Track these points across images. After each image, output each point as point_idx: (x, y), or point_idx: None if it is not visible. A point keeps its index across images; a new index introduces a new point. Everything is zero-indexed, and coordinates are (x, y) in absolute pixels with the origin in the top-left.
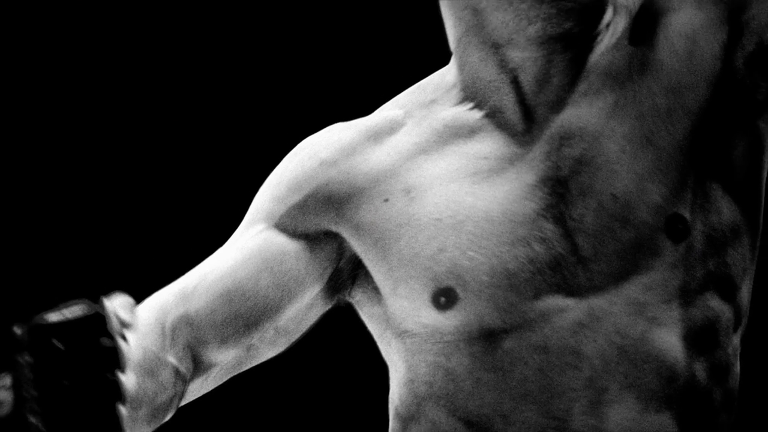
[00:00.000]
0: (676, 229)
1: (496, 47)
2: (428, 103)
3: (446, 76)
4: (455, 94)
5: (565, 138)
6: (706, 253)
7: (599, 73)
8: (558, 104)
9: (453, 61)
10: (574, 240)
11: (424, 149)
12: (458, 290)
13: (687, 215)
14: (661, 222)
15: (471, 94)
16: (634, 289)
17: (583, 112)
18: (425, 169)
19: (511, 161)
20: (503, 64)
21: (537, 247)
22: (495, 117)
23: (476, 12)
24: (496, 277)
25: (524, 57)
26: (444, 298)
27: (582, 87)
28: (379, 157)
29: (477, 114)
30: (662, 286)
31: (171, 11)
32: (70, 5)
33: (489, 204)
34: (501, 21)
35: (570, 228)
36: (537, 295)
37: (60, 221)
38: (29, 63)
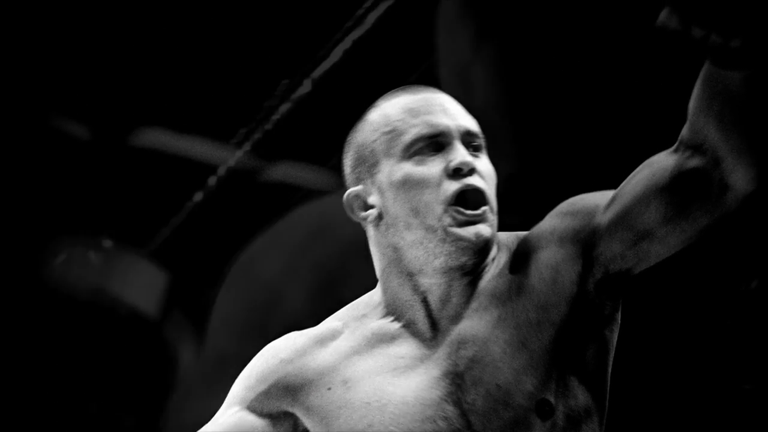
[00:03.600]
0: (543, 410)
1: (410, 275)
2: (360, 316)
3: (374, 296)
4: (380, 309)
5: (461, 342)
6: (566, 428)
7: (487, 294)
8: (456, 318)
9: (378, 285)
10: (468, 418)
11: (357, 351)
12: None
13: (552, 400)
14: (533, 404)
15: (392, 310)
16: None
17: (475, 323)
18: (358, 365)
19: (422, 360)
20: (416, 288)
21: (441, 423)
22: (410, 327)
23: (396, 249)
24: None
25: (431, 282)
26: None
27: (474, 304)
28: (324, 356)
29: (396, 325)
30: None
31: None
32: None
33: (405, 391)
34: (414, 256)
35: (465, 409)
36: None
37: None
38: None
